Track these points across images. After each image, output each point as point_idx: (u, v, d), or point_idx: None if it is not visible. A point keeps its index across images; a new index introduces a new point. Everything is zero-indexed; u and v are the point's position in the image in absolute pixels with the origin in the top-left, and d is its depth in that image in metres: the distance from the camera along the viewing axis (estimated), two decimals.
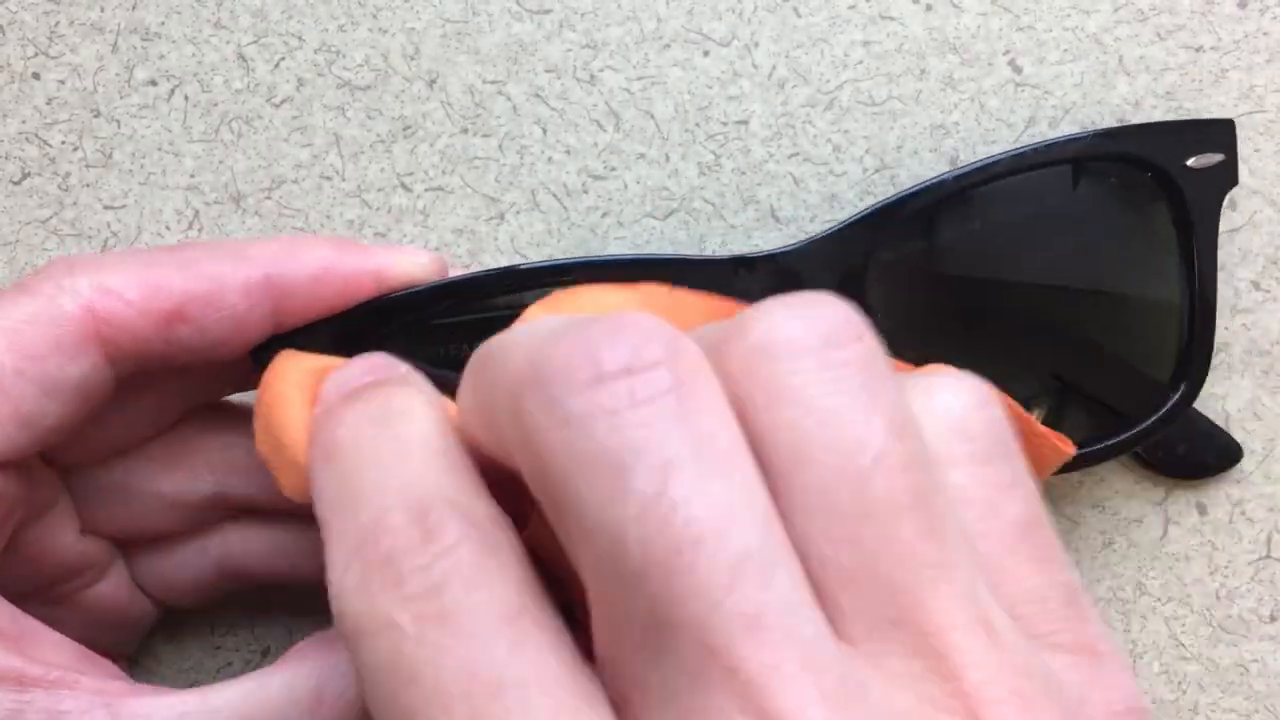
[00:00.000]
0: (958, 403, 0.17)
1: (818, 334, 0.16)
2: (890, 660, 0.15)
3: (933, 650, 0.15)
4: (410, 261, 0.24)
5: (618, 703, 0.15)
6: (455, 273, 0.25)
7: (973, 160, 0.26)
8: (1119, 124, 0.29)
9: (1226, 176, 0.26)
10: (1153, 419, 0.27)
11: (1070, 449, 0.24)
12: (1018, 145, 0.26)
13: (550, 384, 0.15)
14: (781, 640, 0.14)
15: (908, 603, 0.15)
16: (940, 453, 0.17)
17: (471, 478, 0.17)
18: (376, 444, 0.18)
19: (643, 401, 0.15)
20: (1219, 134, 0.26)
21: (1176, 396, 0.27)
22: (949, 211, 0.26)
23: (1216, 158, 0.26)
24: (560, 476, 0.15)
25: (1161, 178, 0.26)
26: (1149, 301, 0.27)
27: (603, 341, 0.15)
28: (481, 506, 0.17)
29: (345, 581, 0.16)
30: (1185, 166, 0.26)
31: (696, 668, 0.14)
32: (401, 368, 0.20)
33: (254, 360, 0.24)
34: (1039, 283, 0.27)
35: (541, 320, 0.17)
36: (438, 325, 0.25)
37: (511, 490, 0.17)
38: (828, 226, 0.25)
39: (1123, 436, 0.27)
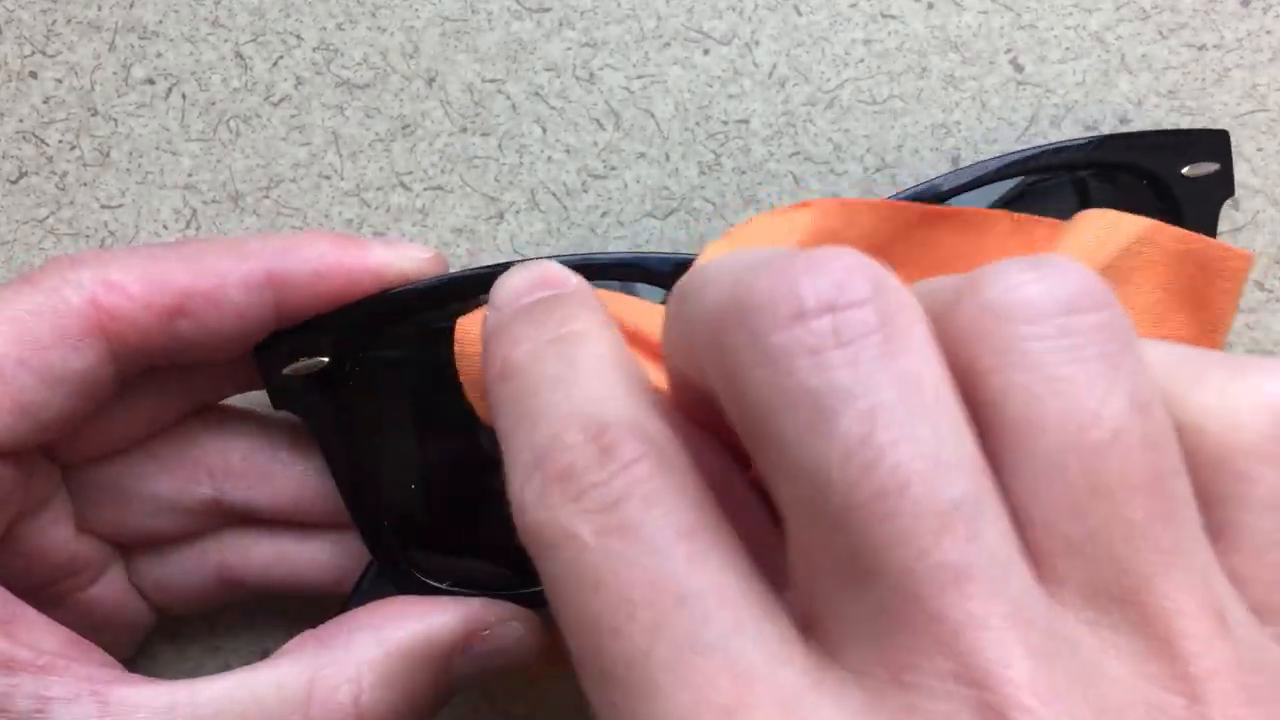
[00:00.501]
0: None
1: (1059, 298, 0.15)
2: (1107, 632, 0.14)
3: (1155, 632, 0.14)
4: (409, 258, 0.24)
5: (808, 623, 0.15)
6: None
7: (969, 163, 0.26)
8: (1116, 129, 0.29)
9: (1222, 186, 0.26)
10: None
11: (1251, 256, 0.24)
12: (1012, 150, 0.26)
13: (752, 319, 0.15)
14: (988, 592, 0.14)
15: (1133, 582, 0.14)
16: (1253, 445, 0.16)
17: (650, 399, 0.17)
18: (554, 364, 0.18)
19: (847, 341, 0.14)
20: (1214, 143, 0.26)
21: None
22: None
23: (1212, 166, 0.26)
24: (762, 413, 0.15)
25: (1157, 185, 0.26)
26: None
27: (806, 277, 0.15)
28: (659, 427, 0.17)
29: (525, 495, 0.16)
30: (1181, 175, 0.26)
31: (899, 612, 0.14)
32: (573, 280, 0.20)
33: (257, 358, 0.24)
34: None
35: (741, 253, 0.16)
36: (440, 324, 0.25)
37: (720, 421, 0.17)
38: None
39: None
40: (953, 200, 0.26)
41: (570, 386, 0.17)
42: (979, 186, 0.26)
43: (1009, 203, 0.26)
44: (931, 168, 0.29)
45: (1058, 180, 0.26)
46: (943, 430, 0.14)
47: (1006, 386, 0.15)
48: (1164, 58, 0.29)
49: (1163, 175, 0.26)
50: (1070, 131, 0.29)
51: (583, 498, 0.16)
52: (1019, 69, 0.29)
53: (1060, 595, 0.15)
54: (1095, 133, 0.29)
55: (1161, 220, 0.24)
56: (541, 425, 0.17)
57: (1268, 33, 0.29)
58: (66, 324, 0.22)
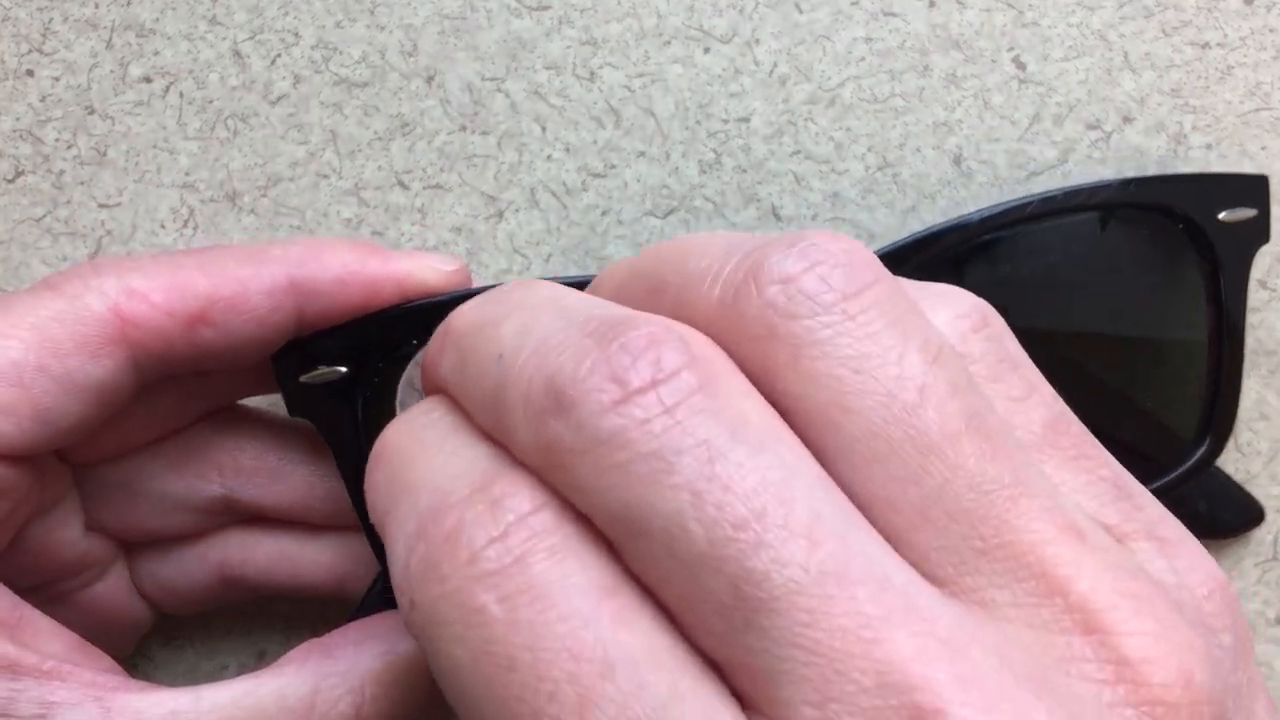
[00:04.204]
0: (954, 324, 0.17)
1: (836, 282, 0.15)
2: (990, 593, 0.14)
3: (1029, 570, 0.14)
4: (432, 269, 0.24)
5: (737, 694, 0.14)
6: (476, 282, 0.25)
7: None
8: (1119, 128, 0.29)
9: (1259, 232, 0.26)
10: (1177, 472, 0.26)
11: None
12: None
13: (578, 409, 0.15)
14: (880, 592, 0.14)
15: (991, 528, 0.15)
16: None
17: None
18: (429, 431, 0.17)
19: (673, 406, 0.14)
20: (1252, 189, 0.26)
21: (1201, 451, 0.26)
22: (973, 252, 0.25)
23: (1249, 212, 0.26)
24: (603, 489, 0.15)
25: (1193, 229, 0.26)
26: (1176, 353, 0.26)
27: (623, 360, 0.15)
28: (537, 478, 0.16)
29: (411, 570, 0.15)
30: (1217, 220, 0.25)
31: (801, 640, 0.13)
32: None
33: (275, 366, 0.24)
34: (1064, 328, 0.26)
35: (535, 321, 0.16)
36: None
37: None
38: None
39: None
40: (985, 239, 0.25)
41: (448, 451, 0.16)
42: (1011, 226, 0.25)
43: (1036, 243, 0.26)
44: (933, 166, 0.29)
45: (1090, 220, 0.26)
46: (781, 455, 0.14)
47: (809, 377, 0.15)
48: (1167, 56, 0.29)
49: (1199, 220, 0.25)
50: (1072, 130, 0.29)
51: (478, 560, 0.14)
52: (1021, 67, 0.29)
53: (935, 574, 0.15)
54: (1099, 130, 0.29)
55: (1196, 266, 0.24)
56: (421, 492, 0.16)
57: (1271, 30, 0.29)
58: (88, 331, 0.22)
